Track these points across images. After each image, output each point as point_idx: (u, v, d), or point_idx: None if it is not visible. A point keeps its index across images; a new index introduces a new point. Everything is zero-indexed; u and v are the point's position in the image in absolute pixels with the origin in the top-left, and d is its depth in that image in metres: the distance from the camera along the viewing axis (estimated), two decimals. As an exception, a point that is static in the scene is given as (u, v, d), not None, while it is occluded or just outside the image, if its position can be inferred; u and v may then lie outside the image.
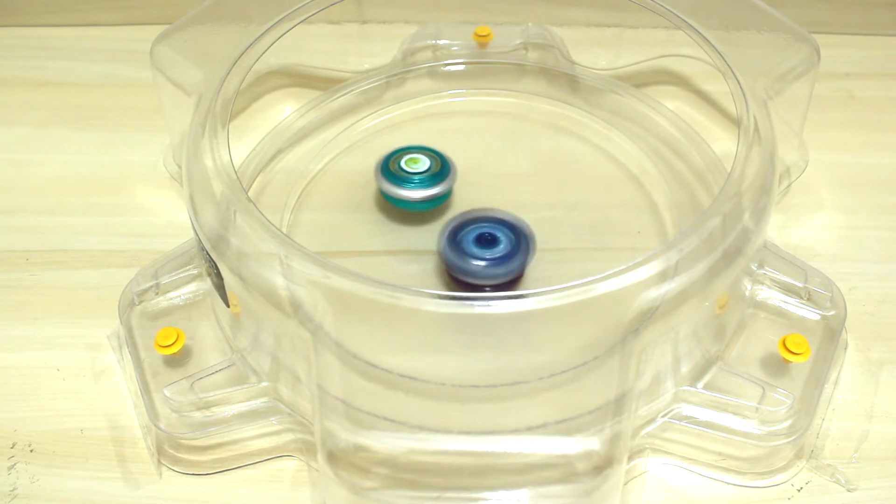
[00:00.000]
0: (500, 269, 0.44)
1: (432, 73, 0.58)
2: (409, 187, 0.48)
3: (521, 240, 0.45)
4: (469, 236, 0.45)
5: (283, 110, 0.56)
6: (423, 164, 0.48)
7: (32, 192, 0.53)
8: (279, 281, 0.37)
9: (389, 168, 0.48)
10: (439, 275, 0.47)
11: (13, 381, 0.44)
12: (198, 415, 0.40)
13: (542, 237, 0.47)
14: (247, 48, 0.46)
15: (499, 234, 0.45)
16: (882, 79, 0.59)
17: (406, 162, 0.48)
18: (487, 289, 0.44)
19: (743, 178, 0.39)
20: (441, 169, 0.48)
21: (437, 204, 0.49)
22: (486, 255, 0.44)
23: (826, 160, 0.53)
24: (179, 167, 0.50)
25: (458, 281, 0.45)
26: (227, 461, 0.40)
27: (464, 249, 0.44)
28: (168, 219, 0.51)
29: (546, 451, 0.38)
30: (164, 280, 0.44)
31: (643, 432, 0.40)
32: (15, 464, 0.41)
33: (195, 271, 0.45)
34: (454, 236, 0.45)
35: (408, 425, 0.38)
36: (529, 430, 0.38)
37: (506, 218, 0.46)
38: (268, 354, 0.40)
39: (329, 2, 0.50)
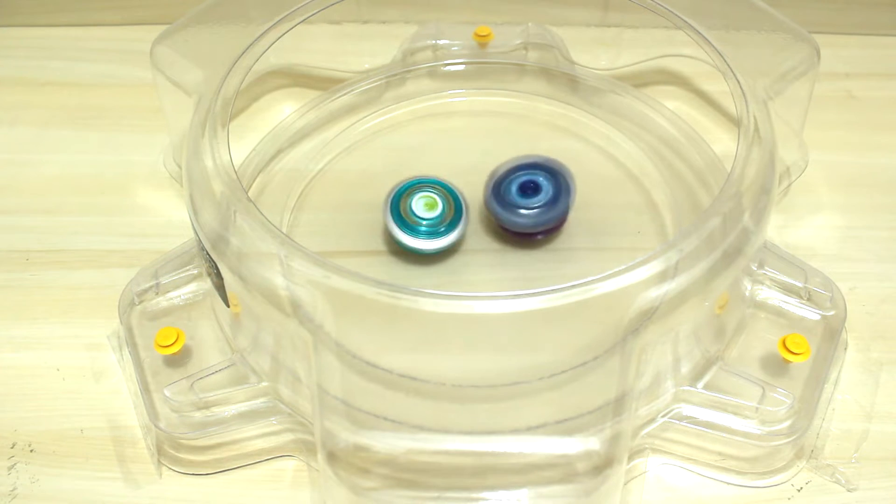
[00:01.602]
0: (548, 216, 0.46)
1: (432, 73, 0.58)
2: (420, 237, 0.46)
3: (560, 182, 0.47)
4: (511, 187, 0.46)
5: (283, 110, 0.56)
6: (435, 208, 0.46)
7: (32, 192, 0.53)
8: (279, 281, 0.37)
9: (399, 210, 0.46)
10: (490, 228, 0.48)
11: (13, 381, 0.44)
12: (198, 415, 0.40)
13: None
14: (247, 48, 0.46)
15: (540, 181, 0.46)
16: (882, 79, 0.59)
17: (416, 203, 0.46)
18: (539, 236, 0.47)
19: (743, 178, 0.39)
20: (454, 215, 0.46)
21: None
22: (533, 203, 0.46)
23: (826, 160, 0.53)
24: (179, 167, 0.50)
25: (509, 231, 0.47)
26: (227, 461, 0.40)
27: (510, 201, 0.46)
28: (168, 219, 0.51)
29: (546, 451, 0.38)
30: (164, 280, 0.44)
31: (643, 432, 0.40)
32: (15, 464, 0.41)
33: (195, 271, 0.45)
34: (497, 190, 0.47)
35: (408, 425, 0.38)
36: (529, 430, 0.38)
37: (543, 162, 0.47)
38: (268, 354, 0.40)
39: (329, 2, 0.50)
